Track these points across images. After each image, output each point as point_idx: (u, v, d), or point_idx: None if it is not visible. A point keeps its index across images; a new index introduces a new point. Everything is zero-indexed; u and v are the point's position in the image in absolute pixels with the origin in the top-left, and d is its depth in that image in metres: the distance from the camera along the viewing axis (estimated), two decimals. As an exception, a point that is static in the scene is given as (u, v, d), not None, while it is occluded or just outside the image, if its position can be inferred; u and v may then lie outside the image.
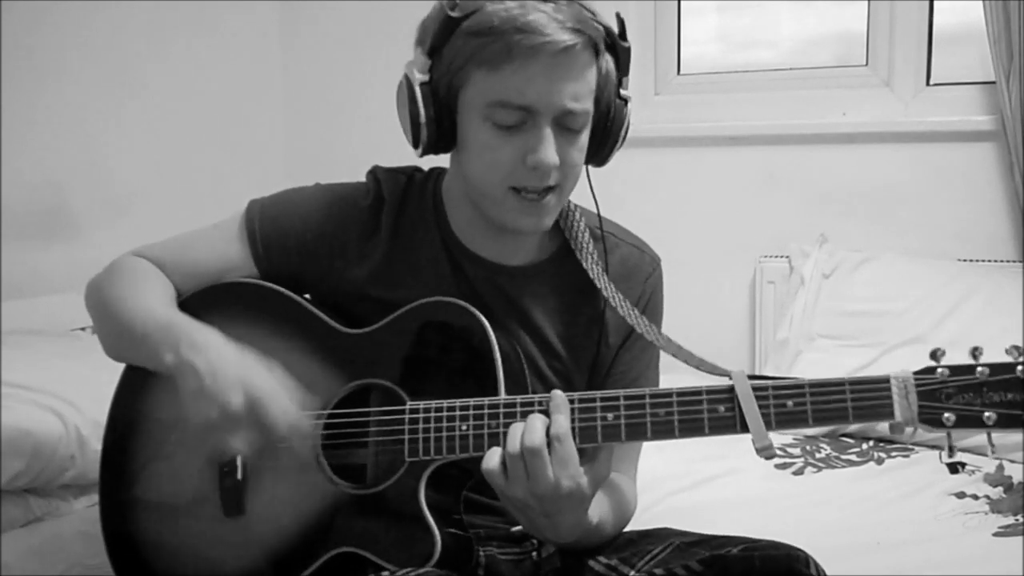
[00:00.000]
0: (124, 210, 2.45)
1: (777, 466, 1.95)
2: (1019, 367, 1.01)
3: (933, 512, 1.68)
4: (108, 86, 2.45)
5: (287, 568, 1.17)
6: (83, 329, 2.19)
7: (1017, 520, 1.62)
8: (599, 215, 1.31)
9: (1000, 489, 1.75)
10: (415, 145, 1.20)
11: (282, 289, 1.27)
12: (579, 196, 1.29)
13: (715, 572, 1.12)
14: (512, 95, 1.12)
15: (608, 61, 1.18)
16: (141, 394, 1.27)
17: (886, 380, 1.05)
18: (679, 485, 1.82)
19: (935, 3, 2.40)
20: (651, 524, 1.34)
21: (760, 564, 1.11)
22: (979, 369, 1.02)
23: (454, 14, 1.12)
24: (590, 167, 1.25)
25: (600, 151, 1.23)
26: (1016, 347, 1.02)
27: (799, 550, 1.13)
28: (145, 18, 2.52)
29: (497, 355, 1.15)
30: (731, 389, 1.08)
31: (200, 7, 2.66)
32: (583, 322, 1.30)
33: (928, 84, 2.43)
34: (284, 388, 1.13)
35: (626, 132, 1.23)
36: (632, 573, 1.19)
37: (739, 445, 1.99)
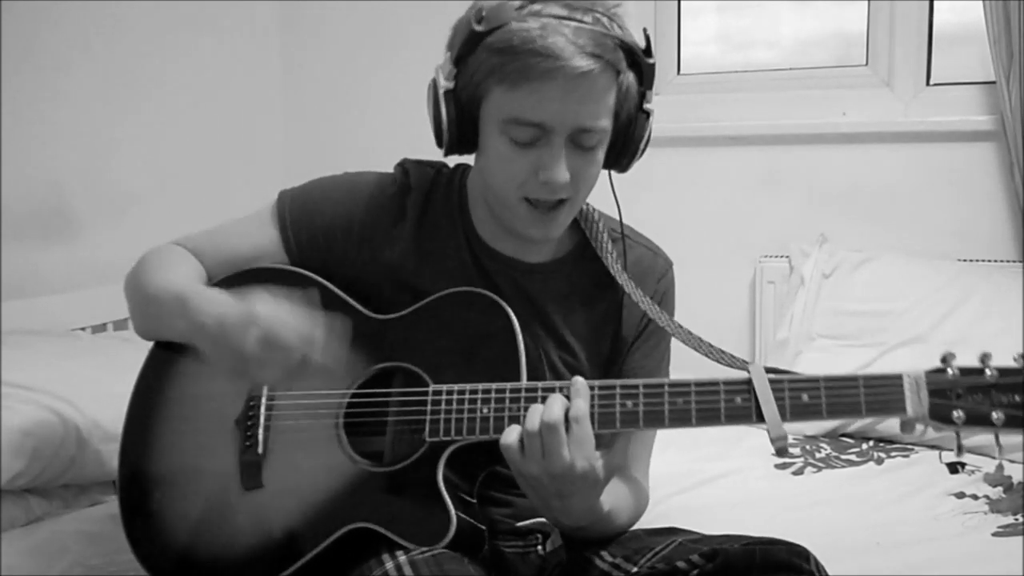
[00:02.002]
0: (124, 210, 2.44)
1: (777, 466, 1.95)
2: None
3: (933, 512, 1.68)
4: (108, 86, 2.44)
5: (302, 542, 1.19)
6: (83, 329, 2.19)
7: (1017, 520, 1.62)
8: (620, 218, 1.35)
9: (1000, 489, 1.76)
10: (439, 145, 1.25)
11: (311, 274, 1.31)
12: (602, 200, 1.32)
13: (716, 565, 1.15)
14: (527, 113, 1.16)
15: (629, 77, 1.22)
16: (164, 371, 1.31)
17: (899, 377, 1.07)
18: (680, 486, 1.82)
19: (935, 3, 2.40)
20: (653, 524, 1.35)
21: (761, 558, 1.14)
22: (988, 372, 1.04)
23: (479, 28, 1.16)
24: (613, 173, 1.30)
25: (620, 160, 1.27)
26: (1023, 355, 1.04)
27: (799, 546, 1.16)
28: (145, 18, 2.52)
29: (521, 345, 1.18)
30: (748, 381, 1.10)
31: (200, 7, 2.66)
32: (598, 319, 1.34)
33: (928, 84, 2.43)
34: (290, 314, 1.14)
35: (647, 143, 1.27)
36: (635, 569, 1.20)
37: (740, 445, 2.01)
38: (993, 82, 2.22)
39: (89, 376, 1.71)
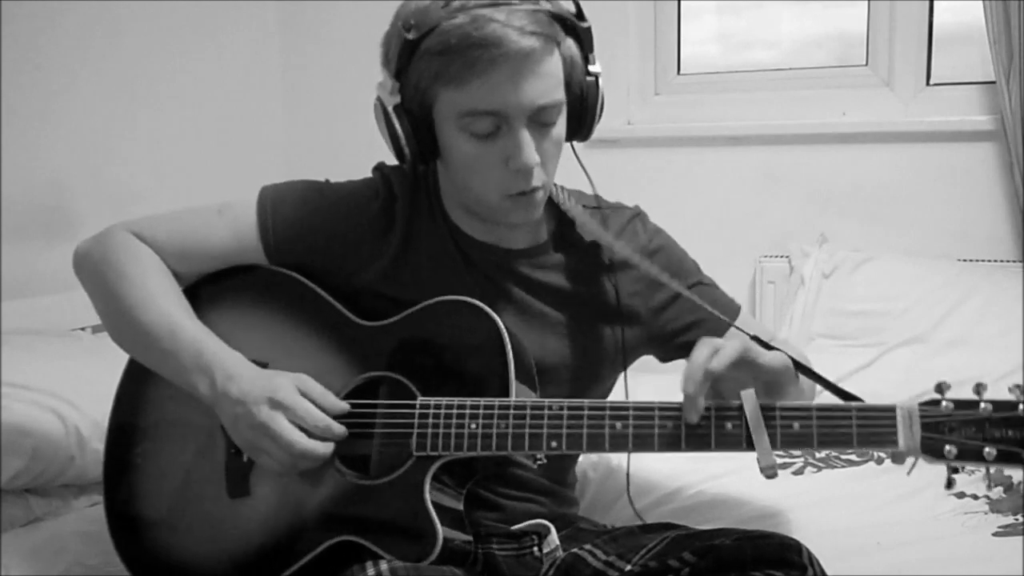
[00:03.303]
0: (124, 210, 2.42)
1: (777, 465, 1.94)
2: (1021, 405, 1.02)
3: (932, 512, 1.68)
4: (108, 86, 2.45)
5: (287, 553, 1.18)
6: (83, 329, 2.19)
7: (1017, 520, 1.62)
8: (594, 188, 1.36)
9: (1000, 489, 1.75)
10: (401, 161, 1.24)
11: (300, 278, 1.30)
12: (571, 175, 1.33)
13: (708, 562, 1.14)
14: (480, 103, 1.15)
15: (571, 46, 1.21)
16: (147, 378, 1.29)
17: (892, 409, 1.06)
18: (679, 484, 1.82)
19: (935, 3, 2.40)
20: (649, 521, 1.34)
21: (752, 552, 1.13)
22: (982, 405, 1.03)
23: (411, 36, 1.15)
24: (575, 144, 1.29)
25: (580, 128, 1.27)
26: (1019, 386, 1.03)
27: (791, 539, 1.15)
28: (145, 19, 2.52)
29: (510, 358, 1.16)
30: (739, 407, 1.09)
31: (200, 8, 2.66)
32: (596, 294, 1.34)
33: (928, 84, 2.43)
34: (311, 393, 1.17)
35: (602, 106, 1.27)
36: (628, 567, 1.20)
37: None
38: (993, 82, 2.22)
39: (89, 376, 1.71)
